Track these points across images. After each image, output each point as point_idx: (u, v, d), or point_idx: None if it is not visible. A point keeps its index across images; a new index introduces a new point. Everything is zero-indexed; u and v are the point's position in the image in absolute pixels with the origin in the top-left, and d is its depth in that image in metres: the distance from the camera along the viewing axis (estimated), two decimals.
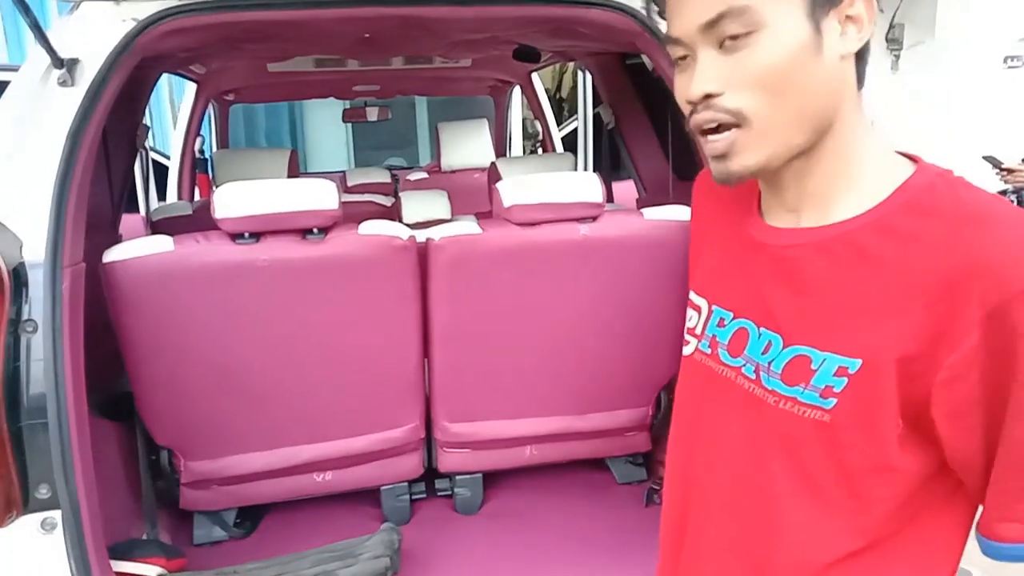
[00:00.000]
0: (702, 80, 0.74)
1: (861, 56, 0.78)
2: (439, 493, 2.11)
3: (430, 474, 2.08)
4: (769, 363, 0.82)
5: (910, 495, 0.77)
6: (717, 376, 0.89)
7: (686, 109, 0.78)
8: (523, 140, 6.64)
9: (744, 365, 0.85)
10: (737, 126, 0.75)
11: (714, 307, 0.92)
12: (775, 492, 0.83)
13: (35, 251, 1.35)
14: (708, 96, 0.75)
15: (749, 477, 0.86)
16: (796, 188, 0.81)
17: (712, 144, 0.77)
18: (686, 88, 0.77)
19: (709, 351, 0.91)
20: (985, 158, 5.13)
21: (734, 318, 0.89)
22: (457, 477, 2.06)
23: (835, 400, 0.76)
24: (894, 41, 6.80)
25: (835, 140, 0.78)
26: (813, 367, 0.78)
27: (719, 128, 0.75)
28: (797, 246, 0.81)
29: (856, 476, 0.77)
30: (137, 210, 3.19)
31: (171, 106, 5.73)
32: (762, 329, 0.84)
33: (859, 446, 0.76)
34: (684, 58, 0.78)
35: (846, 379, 0.75)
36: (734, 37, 0.73)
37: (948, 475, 0.76)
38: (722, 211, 0.93)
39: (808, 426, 0.78)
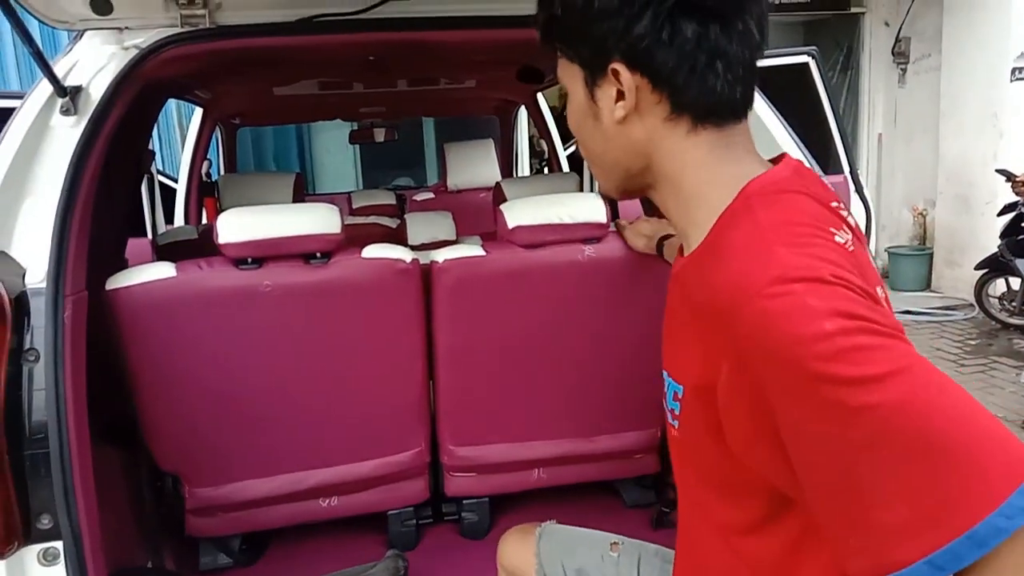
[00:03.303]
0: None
1: (685, 110, 0.81)
2: (446, 518, 2.09)
3: (437, 499, 2.05)
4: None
5: (780, 515, 0.77)
6: None
7: None
8: (530, 158, 6.67)
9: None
10: None
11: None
12: (687, 498, 0.93)
13: (37, 279, 1.35)
14: None
15: (678, 483, 0.96)
16: (669, 221, 0.90)
17: None
18: None
19: None
20: (998, 171, 5.13)
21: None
22: (464, 501, 2.04)
23: (678, 422, 0.84)
24: (900, 55, 6.84)
25: (661, 183, 0.86)
26: (666, 389, 0.87)
27: None
28: (671, 276, 0.92)
29: (717, 488, 0.84)
30: (145, 234, 3.21)
31: (180, 129, 5.78)
32: (662, 352, 0.94)
33: (703, 463, 0.84)
34: None
35: (679, 404, 0.83)
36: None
37: None
38: None
39: (675, 442, 0.89)
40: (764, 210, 0.75)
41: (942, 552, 0.59)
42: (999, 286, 5.52)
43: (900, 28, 6.72)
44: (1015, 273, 5.11)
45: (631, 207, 3.11)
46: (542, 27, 0.88)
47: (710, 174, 0.82)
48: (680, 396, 0.82)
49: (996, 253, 5.20)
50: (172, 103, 5.36)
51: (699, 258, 0.80)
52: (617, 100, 0.81)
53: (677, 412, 0.83)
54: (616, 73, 0.80)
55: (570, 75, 0.86)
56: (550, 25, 0.86)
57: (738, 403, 0.71)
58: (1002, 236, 5.13)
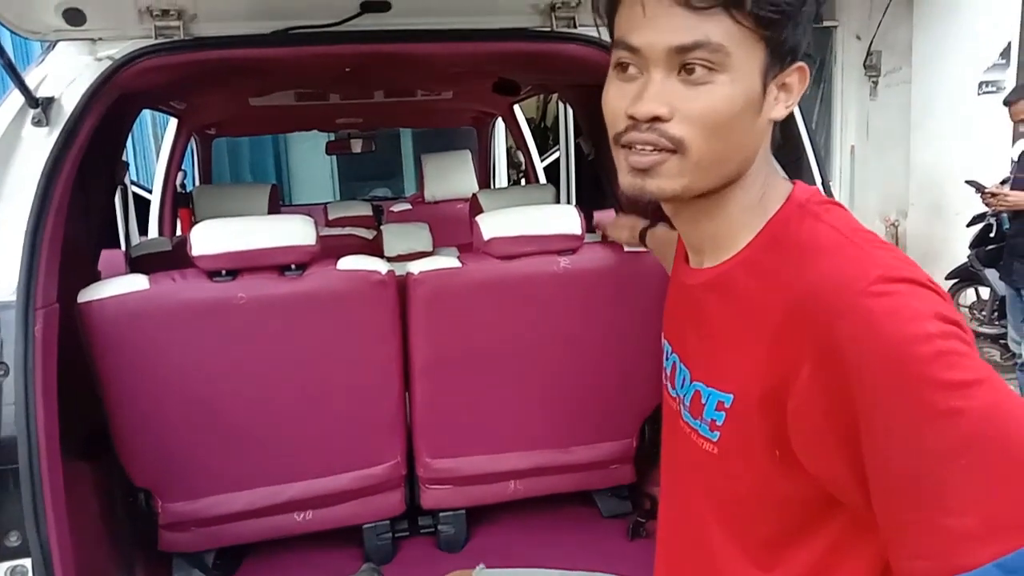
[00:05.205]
0: (655, 102, 0.75)
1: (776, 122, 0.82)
2: (422, 531, 2.07)
3: (413, 512, 2.05)
4: (683, 396, 0.88)
5: (815, 527, 0.77)
6: (670, 407, 0.95)
7: (621, 121, 0.78)
8: (508, 169, 6.69)
9: (678, 398, 0.91)
10: (673, 152, 0.76)
11: (664, 342, 0.98)
12: (702, 521, 0.88)
13: (7, 293, 1.34)
14: (656, 118, 0.75)
15: (682, 501, 0.92)
16: (694, 230, 0.86)
17: (638, 158, 0.77)
18: (630, 101, 0.77)
19: (666, 384, 0.97)
20: (968, 182, 5.22)
21: (671, 352, 0.95)
22: (440, 514, 2.03)
23: (719, 433, 0.81)
24: (872, 68, 6.98)
25: (740, 190, 0.81)
26: (703, 401, 0.83)
27: (652, 148, 0.76)
28: (697, 285, 0.87)
29: (750, 504, 0.81)
30: (118, 246, 3.18)
31: (155, 139, 5.74)
32: (681, 364, 0.90)
33: (744, 476, 0.80)
34: (632, 67, 0.78)
35: (724, 413, 0.80)
36: (695, 70, 0.74)
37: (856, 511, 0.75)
38: (679, 253, 0.98)
39: (706, 457, 0.83)
40: (829, 216, 0.77)
41: (1016, 555, 0.60)
42: (970, 296, 5.59)
43: (871, 42, 6.81)
44: (985, 283, 5.19)
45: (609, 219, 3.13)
46: None
47: (773, 178, 0.83)
48: (728, 406, 0.79)
49: (966, 263, 5.28)
50: (147, 113, 5.32)
51: (753, 259, 0.80)
52: (778, 95, 0.79)
53: (720, 423, 0.80)
54: (801, 70, 0.79)
55: (745, 60, 0.74)
56: None
57: (815, 403, 0.70)
58: (971, 246, 5.20)
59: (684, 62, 0.74)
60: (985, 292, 5.37)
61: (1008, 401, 0.64)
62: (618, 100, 0.79)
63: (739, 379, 0.78)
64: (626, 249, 1.85)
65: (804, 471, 0.74)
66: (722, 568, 0.86)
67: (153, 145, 6.03)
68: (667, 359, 0.96)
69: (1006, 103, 3.86)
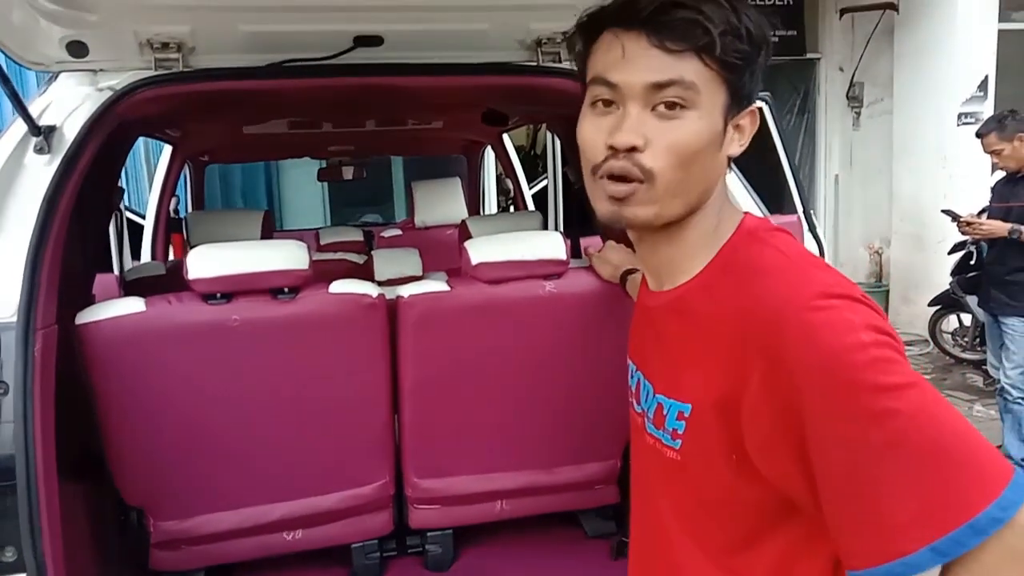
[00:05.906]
0: (632, 133, 0.83)
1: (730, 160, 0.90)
2: (410, 550, 2.10)
3: (401, 531, 2.07)
4: (647, 410, 0.95)
5: (772, 531, 0.83)
6: (636, 423, 1.00)
7: (600, 151, 0.85)
8: (498, 196, 6.76)
9: (642, 412, 0.97)
10: (642, 181, 0.83)
11: (629, 362, 1.05)
12: (668, 528, 0.93)
13: (8, 314, 1.38)
14: (632, 148, 0.83)
15: (650, 511, 0.97)
16: (654, 255, 0.93)
17: (615, 187, 0.85)
18: (608, 133, 0.84)
19: (632, 401, 1.03)
20: (944, 212, 5.31)
21: (636, 370, 1.01)
22: (428, 534, 2.06)
23: (680, 441, 0.87)
24: (854, 99, 7.08)
25: (699, 218, 0.89)
26: (664, 412, 0.89)
27: (626, 177, 0.84)
28: (657, 307, 0.94)
29: (711, 509, 0.87)
30: (111, 270, 3.21)
31: (147, 165, 5.78)
32: (645, 380, 0.97)
33: (705, 481, 0.86)
34: (609, 103, 0.86)
35: (684, 422, 0.86)
36: (670, 106, 0.82)
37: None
38: (643, 278, 1.04)
39: (671, 464, 0.89)
40: (775, 241, 0.85)
41: (946, 539, 0.68)
42: (952, 322, 5.67)
43: (854, 73, 6.97)
44: (966, 309, 5.27)
45: (595, 244, 3.19)
46: (719, 40, 0.81)
47: (727, 209, 0.91)
48: (687, 415, 0.86)
49: (948, 290, 5.36)
50: (140, 139, 5.37)
51: (708, 282, 0.87)
52: (733, 134, 0.88)
53: (681, 431, 0.87)
54: (752, 113, 0.88)
55: (711, 99, 0.83)
56: (728, 43, 0.81)
57: (765, 409, 0.77)
58: (953, 273, 5.28)
59: (659, 98, 0.82)
60: (967, 318, 5.45)
61: (936, 403, 0.71)
62: (595, 132, 0.86)
63: (697, 390, 0.85)
64: None
65: (760, 475, 0.80)
66: (686, 571, 0.91)
67: (145, 171, 6.07)
68: (632, 377, 1.03)
69: (978, 135, 3.96)
